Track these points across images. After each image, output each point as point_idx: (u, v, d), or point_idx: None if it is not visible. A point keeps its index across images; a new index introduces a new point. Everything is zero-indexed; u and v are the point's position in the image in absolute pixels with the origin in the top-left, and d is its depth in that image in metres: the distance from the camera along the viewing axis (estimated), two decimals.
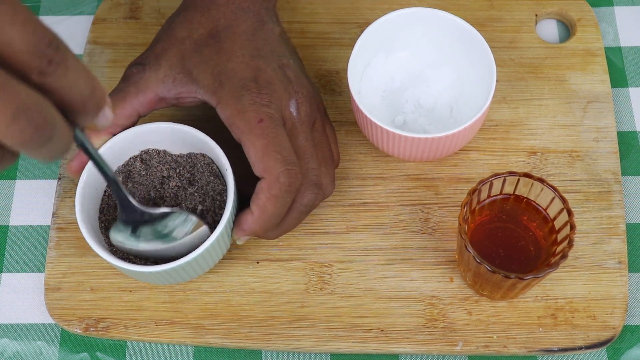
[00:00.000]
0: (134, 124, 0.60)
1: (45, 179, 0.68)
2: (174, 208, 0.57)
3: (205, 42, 0.58)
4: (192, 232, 0.56)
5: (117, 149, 0.59)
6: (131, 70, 0.59)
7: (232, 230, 0.58)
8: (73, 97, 0.38)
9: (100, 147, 0.58)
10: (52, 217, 0.66)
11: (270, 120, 0.55)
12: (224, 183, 0.59)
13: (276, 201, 0.55)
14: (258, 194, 0.55)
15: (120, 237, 0.56)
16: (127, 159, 0.61)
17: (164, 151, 0.61)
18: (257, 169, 0.55)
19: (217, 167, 0.60)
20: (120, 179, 0.60)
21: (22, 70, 0.35)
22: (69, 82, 0.37)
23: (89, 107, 0.39)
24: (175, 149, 0.61)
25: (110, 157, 0.59)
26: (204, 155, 0.60)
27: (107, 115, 0.41)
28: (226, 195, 0.58)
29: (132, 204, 0.54)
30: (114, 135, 0.59)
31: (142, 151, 0.61)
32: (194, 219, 0.56)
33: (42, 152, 0.37)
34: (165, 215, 0.56)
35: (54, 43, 0.35)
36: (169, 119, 0.67)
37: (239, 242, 0.58)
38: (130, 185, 0.60)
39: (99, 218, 0.60)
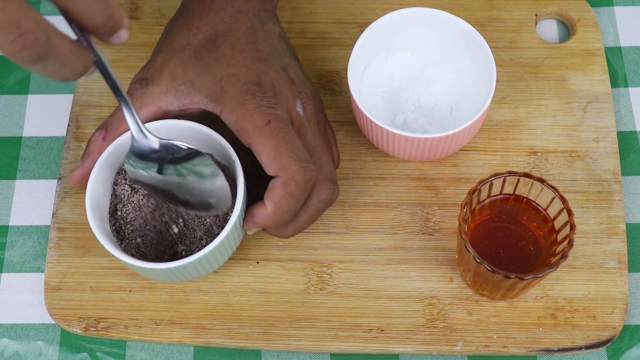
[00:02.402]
0: None
1: (45, 179, 0.68)
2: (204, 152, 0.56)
3: (205, 48, 0.58)
4: (211, 184, 0.56)
5: (121, 150, 0.59)
6: (134, 85, 0.58)
7: (242, 223, 0.58)
8: (86, 21, 0.42)
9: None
10: (52, 217, 0.66)
11: (278, 121, 0.55)
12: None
13: (291, 198, 0.55)
14: (272, 191, 0.55)
15: (136, 167, 0.56)
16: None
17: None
18: (270, 169, 0.55)
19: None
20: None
21: None
22: (81, 6, 0.42)
23: (103, 31, 0.44)
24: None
25: (113, 160, 0.59)
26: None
27: (121, 36, 0.45)
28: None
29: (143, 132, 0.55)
30: None
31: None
32: (220, 174, 0.55)
33: (46, 68, 0.42)
34: (191, 156, 0.56)
35: None
36: None
37: (249, 233, 0.58)
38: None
39: (109, 216, 0.60)
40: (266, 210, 0.56)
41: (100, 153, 0.58)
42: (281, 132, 0.55)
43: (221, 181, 0.55)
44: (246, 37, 0.59)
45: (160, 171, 0.56)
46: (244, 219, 0.58)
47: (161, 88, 0.58)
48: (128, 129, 0.57)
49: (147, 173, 0.56)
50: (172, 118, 0.59)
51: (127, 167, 0.56)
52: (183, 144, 0.55)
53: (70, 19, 0.43)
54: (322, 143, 0.58)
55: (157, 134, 0.59)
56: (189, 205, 0.56)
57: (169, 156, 0.55)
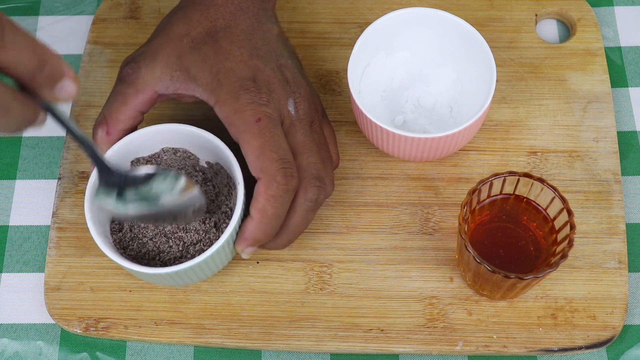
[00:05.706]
0: (139, 123, 0.60)
1: (45, 179, 0.68)
2: (158, 168, 0.55)
3: (203, 40, 0.58)
4: (181, 193, 0.54)
5: (134, 145, 0.60)
6: (126, 70, 0.58)
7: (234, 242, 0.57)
8: (19, 72, 0.38)
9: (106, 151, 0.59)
10: (52, 217, 0.66)
11: (268, 120, 0.55)
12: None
13: (275, 201, 0.55)
14: (256, 197, 0.55)
15: (107, 201, 0.54)
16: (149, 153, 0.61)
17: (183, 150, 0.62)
18: (253, 169, 0.55)
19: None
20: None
21: None
22: (10, 58, 0.37)
23: (41, 80, 0.39)
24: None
25: (126, 154, 0.60)
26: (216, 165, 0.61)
27: (66, 87, 0.40)
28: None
29: (108, 166, 0.53)
30: (119, 139, 0.59)
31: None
32: (182, 179, 0.54)
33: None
34: (149, 177, 0.54)
35: None
36: (168, 119, 0.68)
37: (244, 256, 0.57)
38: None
39: (111, 221, 0.60)
40: (252, 220, 0.55)
41: (108, 148, 0.58)
42: (269, 132, 0.55)
43: (192, 192, 0.55)
44: (244, 34, 0.59)
45: (127, 197, 0.54)
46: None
47: (155, 72, 0.58)
48: (130, 117, 0.58)
49: (124, 205, 0.54)
50: (168, 100, 0.59)
51: (101, 204, 0.54)
52: (143, 170, 0.54)
53: (4, 73, 0.39)
54: (311, 142, 0.58)
55: (170, 136, 0.60)
56: (171, 220, 0.56)
57: (134, 182, 0.54)
